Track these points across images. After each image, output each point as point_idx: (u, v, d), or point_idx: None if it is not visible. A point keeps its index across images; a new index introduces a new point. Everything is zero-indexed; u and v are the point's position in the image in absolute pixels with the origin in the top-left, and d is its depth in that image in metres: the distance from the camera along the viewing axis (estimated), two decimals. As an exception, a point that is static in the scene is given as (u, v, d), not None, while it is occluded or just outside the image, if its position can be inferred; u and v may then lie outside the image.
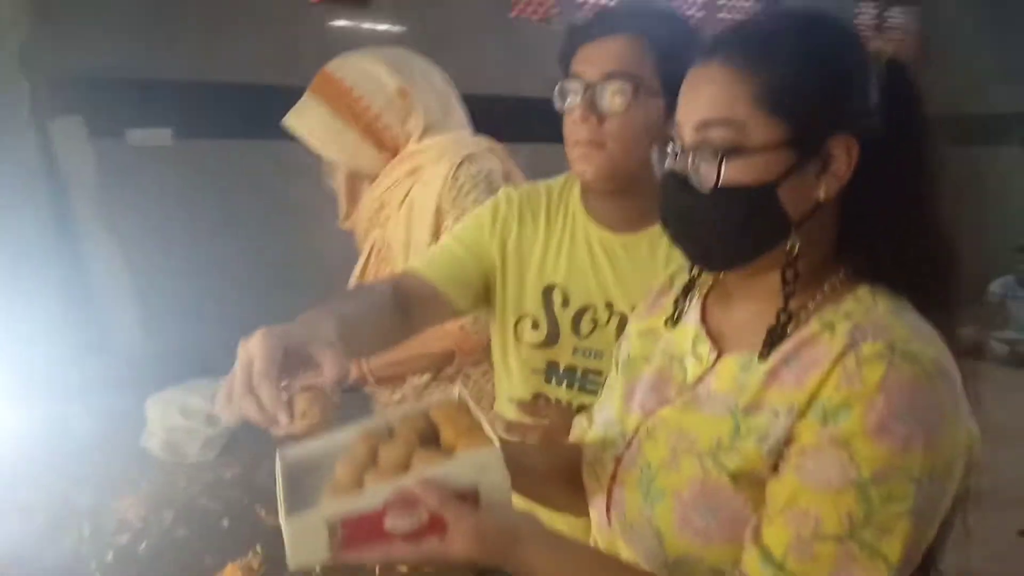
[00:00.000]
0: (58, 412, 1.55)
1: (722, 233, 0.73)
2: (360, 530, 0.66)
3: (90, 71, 2.86)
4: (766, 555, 0.66)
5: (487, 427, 0.73)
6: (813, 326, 0.72)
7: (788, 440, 0.68)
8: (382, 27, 3.57)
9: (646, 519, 0.75)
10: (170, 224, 3.08)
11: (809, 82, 0.70)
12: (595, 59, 1.02)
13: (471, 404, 0.78)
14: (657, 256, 1.10)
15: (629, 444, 0.81)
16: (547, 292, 1.16)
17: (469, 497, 0.69)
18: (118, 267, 2.63)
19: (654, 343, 0.87)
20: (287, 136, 3.63)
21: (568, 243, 1.15)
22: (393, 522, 0.66)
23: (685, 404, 0.78)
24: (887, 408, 0.63)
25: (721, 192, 0.70)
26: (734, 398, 0.73)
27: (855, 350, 0.66)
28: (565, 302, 1.14)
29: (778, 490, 0.68)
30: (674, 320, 0.86)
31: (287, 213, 3.27)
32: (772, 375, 0.71)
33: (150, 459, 1.44)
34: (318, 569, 0.97)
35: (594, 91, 1.01)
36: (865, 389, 0.64)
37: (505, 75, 3.84)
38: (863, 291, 0.73)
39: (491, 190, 1.40)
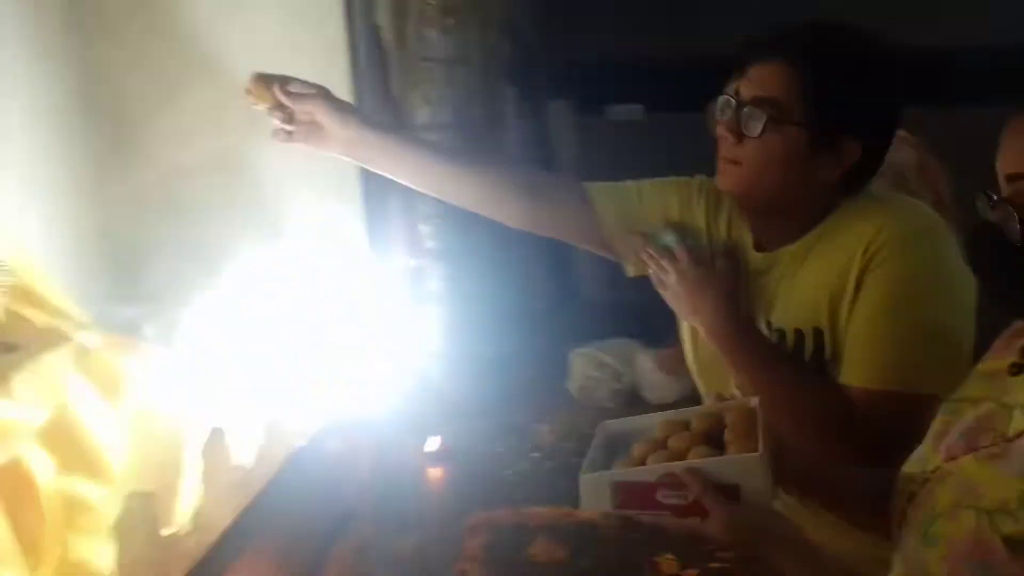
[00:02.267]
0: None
1: None
2: (633, 495, 0.84)
3: (576, 57, 3.36)
4: None
5: (761, 437, 0.83)
6: None
7: None
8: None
9: (919, 560, 0.77)
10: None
11: None
12: (751, 82, 1.05)
13: (760, 414, 0.89)
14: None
15: (924, 482, 0.81)
16: None
17: (731, 492, 0.81)
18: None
19: (991, 387, 0.84)
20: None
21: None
22: (663, 495, 0.83)
23: (991, 457, 0.76)
24: None
25: None
26: None
27: None
28: None
29: None
30: (1018, 369, 0.82)
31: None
32: None
33: (568, 398, 1.80)
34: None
35: (740, 111, 1.03)
36: None
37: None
38: None
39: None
